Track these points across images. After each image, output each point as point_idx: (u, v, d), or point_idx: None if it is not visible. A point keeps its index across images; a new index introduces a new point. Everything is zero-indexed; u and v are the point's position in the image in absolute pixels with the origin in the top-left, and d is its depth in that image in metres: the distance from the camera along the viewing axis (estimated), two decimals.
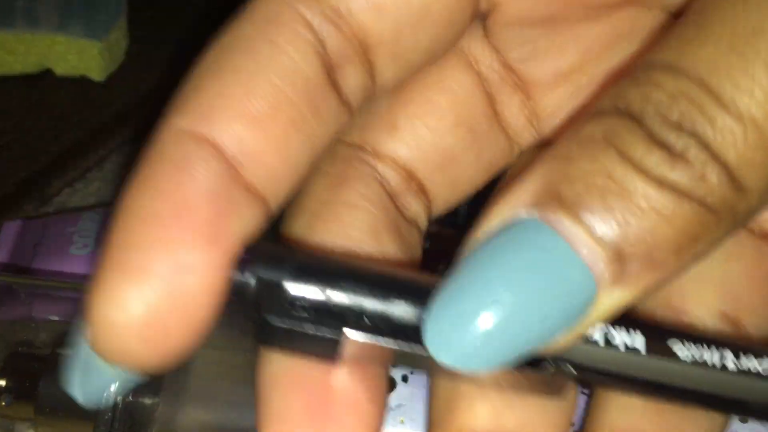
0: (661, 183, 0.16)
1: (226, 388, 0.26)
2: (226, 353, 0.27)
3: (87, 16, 0.44)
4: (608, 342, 0.18)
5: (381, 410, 0.19)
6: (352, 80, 0.19)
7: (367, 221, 0.20)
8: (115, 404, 0.26)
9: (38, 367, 0.27)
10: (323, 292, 0.17)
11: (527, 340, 0.16)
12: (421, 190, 0.22)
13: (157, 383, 0.26)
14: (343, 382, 0.18)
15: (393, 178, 0.21)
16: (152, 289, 0.16)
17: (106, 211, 0.36)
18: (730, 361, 0.18)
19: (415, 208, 0.22)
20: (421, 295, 0.17)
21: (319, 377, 0.18)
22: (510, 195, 0.17)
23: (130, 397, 0.26)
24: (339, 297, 0.17)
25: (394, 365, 0.18)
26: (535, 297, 0.16)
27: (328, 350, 0.17)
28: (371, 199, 0.21)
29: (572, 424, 0.24)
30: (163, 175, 0.17)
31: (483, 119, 0.22)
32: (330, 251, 0.20)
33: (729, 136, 0.16)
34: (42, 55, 0.44)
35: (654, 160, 0.16)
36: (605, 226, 0.16)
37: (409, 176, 0.22)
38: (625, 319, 0.18)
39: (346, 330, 0.17)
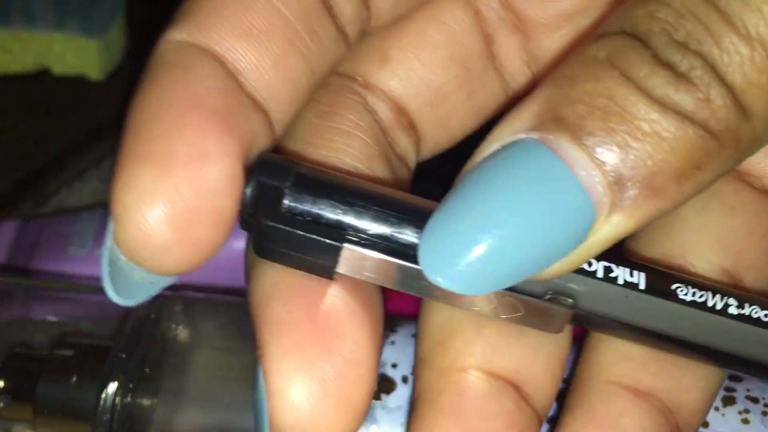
0: (664, 105, 0.16)
1: (224, 390, 0.26)
2: (225, 354, 0.27)
3: (85, 14, 0.44)
4: (608, 275, 0.18)
5: (380, 328, 0.18)
6: (348, 9, 0.19)
7: (359, 148, 0.20)
8: (114, 405, 0.25)
9: (36, 368, 0.27)
10: (323, 200, 0.17)
11: (524, 264, 0.16)
12: (411, 126, 0.21)
13: (156, 384, 0.26)
14: (343, 294, 0.18)
15: (383, 111, 0.21)
16: (176, 178, 0.15)
17: (104, 212, 0.36)
18: (733, 307, 0.18)
19: (405, 145, 0.21)
20: (419, 215, 0.17)
21: (317, 289, 0.18)
22: (510, 118, 0.17)
23: (129, 398, 0.26)
24: (338, 208, 0.17)
25: (389, 287, 0.18)
26: (532, 220, 0.16)
27: (323, 262, 0.17)
28: (363, 128, 0.20)
29: None
30: (171, 75, 0.17)
31: (478, 58, 0.22)
32: (331, 166, 0.19)
33: (736, 57, 0.16)
34: (39, 54, 0.44)
35: (658, 81, 0.16)
36: (605, 150, 0.16)
37: (399, 111, 0.21)
38: (627, 259, 0.18)
39: (346, 243, 0.17)
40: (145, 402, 0.26)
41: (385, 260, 0.17)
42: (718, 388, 0.21)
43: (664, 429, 0.20)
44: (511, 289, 0.17)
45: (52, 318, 0.30)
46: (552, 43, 0.22)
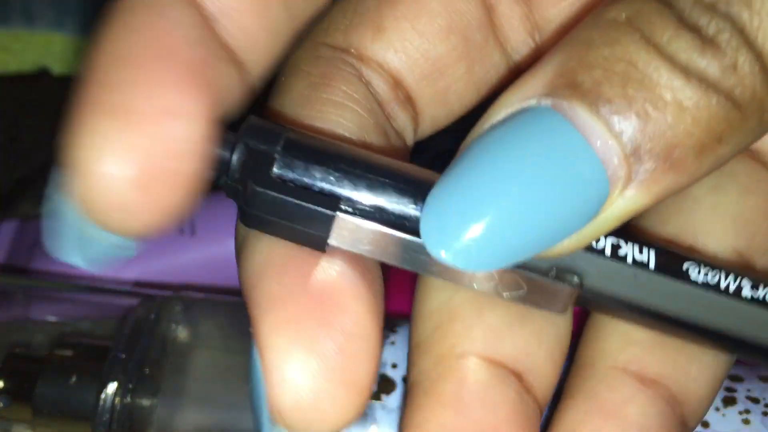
0: (688, 72, 0.15)
1: (224, 390, 0.26)
2: (225, 355, 0.27)
3: (84, 13, 0.44)
4: (616, 254, 0.17)
5: (381, 301, 0.17)
6: None
7: (353, 120, 0.19)
8: (113, 405, 0.25)
9: (36, 368, 0.27)
10: (316, 166, 0.16)
11: (532, 239, 0.15)
12: (408, 100, 0.20)
13: (156, 384, 0.26)
14: (340, 266, 0.16)
15: (378, 83, 0.20)
16: (143, 135, 0.14)
17: None
18: (747, 289, 0.17)
19: (402, 120, 0.20)
20: (419, 186, 0.16)
21: (313, 262, 0.16)
22: (521, 83, 0.16)
23: (129, 399, 0.26)
24: (332, 175, 0.16)
25: (385, 261, 0.17)
26: (543, 192, 0.15)
27: (315, 232, 0.16)
28: (357, 100, 0.19)
29: None
30: (140, 18, 0.15)
31: (478, 29, 0.20)
32: (325, 132, 0.18)
33: (767, 20, 0.15)
34: (39, 54, 0.44)
35: (682, 46, 0.15)
36: (623, 119, 0.15)
37: (396, 83, 0.20)
38: (637, 236, 0.17)
39: (340, 213, 0.16)
40: (145, 402, 0.26)
41: (382, 232, 0.16)
42: (724, 376, 0.20)
43: (669, 419, 0.19)
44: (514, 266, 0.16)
45: (51, 318, 0.30)
46: (558, 12, 0.20)
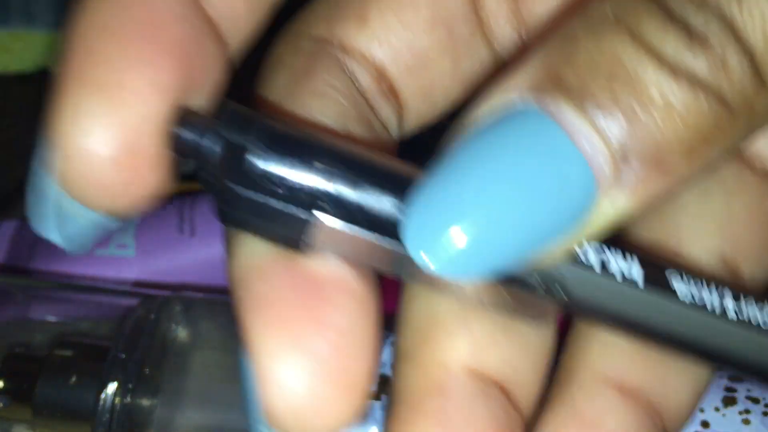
0: (677, 71, 0.14)
1: (224, 390, 0.26)
2: (224, 355, 0.27)
3: None
4: (604, 268, 0.16)
5: (375, 297, 0.16)
6: None
7: (336, 111, 0.18)
8: (113, 405, 0.25)
9: (35, 368, 0.27)
10: (291, 159, 0.15)
11: (518, 244, 0.15)
12: (392, 93, 0.20)
13: (155, 384, 0.26)
14: (330, 262, 0.16)
15: (362, 75, 0.19)
16: (122, 111, 0.14)
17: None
18: (731, 309, 0.17)
19: (387, 113, 0.20)
20: (404, 186, 0.15)
21: (301, 259, 0.16)
22: (505, 79, 0.15)
23: (128, 399, 0.26)
24: (310, 170, 0.15)
25: (366, 265, 0.16)
26: (527, 194, 0.14)
27: (291, 234, 0.15)
28: (340, 90, 0.18)
29: None
30: None
31: (464, 22, 0.20)
32: (307, 122, 0.17)
33: (758, 17, 0.14)
34: (39, 54, 0.44)
35: (671, 43, 0.14)
36: (610, 119, 0.14)
37: (380, 75, 0.19)
38: (623, 245, 0.16)
39: (318, 212, 0.15)
40: (145, 402, 0.26)
41: (361, 236, 0.15)
42: (705, 388, 0.20)
43: (648, 430, 0.19)
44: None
45: (51, 318, 0.30)
46: (545, 8, 0.20)
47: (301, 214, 0.15)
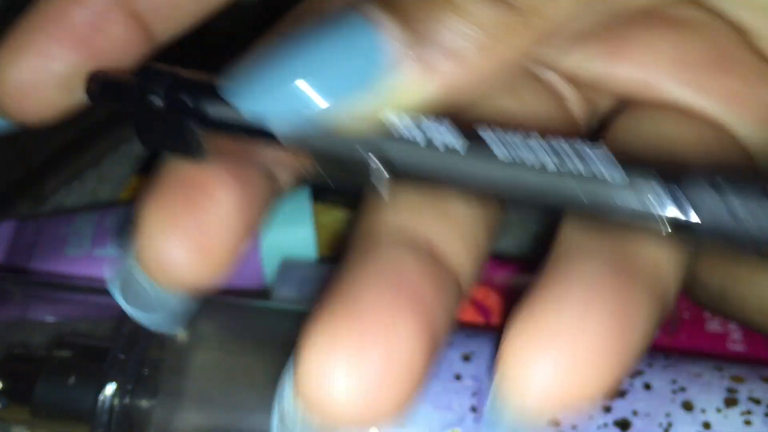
0: None
1: (223, 391, 0.26)
2: (224, 355, 0.27)
3: None
4: (427, 138, 0.17)
5: (252, 187, 0.19)
6: None
7: None
8: (112, 407, 0.25)
9: (34, 369, 0.27)
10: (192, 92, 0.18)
11: (322, 89, 0.16)
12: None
13: (155, 385, 0.26)
14: (212, 173, 0.19)
15: None
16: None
17: (102, 212, 0.35)
18: (550, 163, 0.17)
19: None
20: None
21: (196, 170, 0.19)
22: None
23: (128, 400, 0.26)
24: (197, 104, 0.18)
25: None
26: (328, 51, 0.16)
27: (188, 144, 0.18)
28: None
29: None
30: None
31: None
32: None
33: None
34: None
35: None
36: (412, 19, 0.16)
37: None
38: (444, 119, 0.18)
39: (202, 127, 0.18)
40: (144, 403, 0.26)
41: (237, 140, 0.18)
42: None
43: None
44: (329, 151, 0.18)
45: (50, 318, 0.30)
46: None
47: (194, 128, 0.18)
